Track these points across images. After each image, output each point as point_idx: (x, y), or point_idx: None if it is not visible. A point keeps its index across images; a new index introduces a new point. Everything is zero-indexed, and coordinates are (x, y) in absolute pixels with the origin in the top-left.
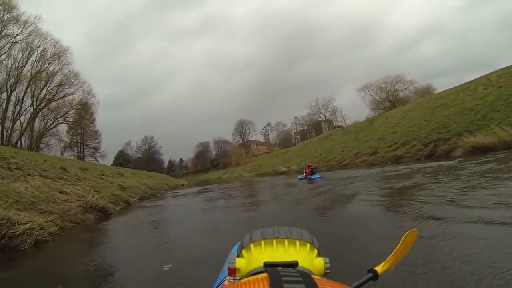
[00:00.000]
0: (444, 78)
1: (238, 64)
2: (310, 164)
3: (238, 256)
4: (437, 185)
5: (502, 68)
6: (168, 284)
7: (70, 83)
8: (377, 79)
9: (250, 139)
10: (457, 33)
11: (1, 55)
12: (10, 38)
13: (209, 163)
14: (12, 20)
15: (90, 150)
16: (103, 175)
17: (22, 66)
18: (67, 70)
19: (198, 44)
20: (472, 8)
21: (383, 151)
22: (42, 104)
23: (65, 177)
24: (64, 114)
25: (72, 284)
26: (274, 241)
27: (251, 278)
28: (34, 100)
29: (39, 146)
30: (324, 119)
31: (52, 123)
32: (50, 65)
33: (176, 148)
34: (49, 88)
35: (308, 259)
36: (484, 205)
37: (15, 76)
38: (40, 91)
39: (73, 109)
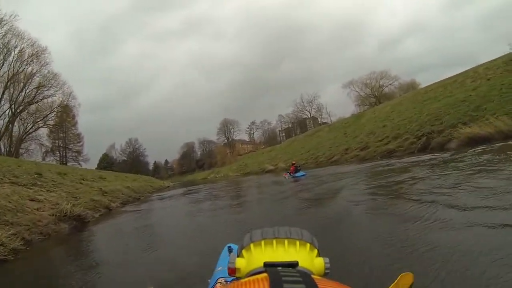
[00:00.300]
0: (426, 74)
1: (223, 64)
2: (294, 162)
3: (238, 256)
4: (431, 178)
5: (490, 61)
6: None
7: (49, 85)
8: (362, 75)
9: (235, 138)
10: (440, 32)
11: None
12: None
13: (194, 163)
14: None
15: (73, 154)
16: (83, 179)
17: None
18: (46, 71)
19: (183, 45)
20: (454, 7)
21: (374, 145)
22: (21, 108)
23: (39, 183)
24: (44, 118)
25: None
26: (274, 241)
27: (251, 278)
28: (12, 103)
29: (18, 151)
30: (309, 116)
31: (32, 127)
32: (28, 66)
33: (161, 150)
34: (27, 91)
35: (308, 259)
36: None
37: None
38: (19, 94)
39: (54, 112)
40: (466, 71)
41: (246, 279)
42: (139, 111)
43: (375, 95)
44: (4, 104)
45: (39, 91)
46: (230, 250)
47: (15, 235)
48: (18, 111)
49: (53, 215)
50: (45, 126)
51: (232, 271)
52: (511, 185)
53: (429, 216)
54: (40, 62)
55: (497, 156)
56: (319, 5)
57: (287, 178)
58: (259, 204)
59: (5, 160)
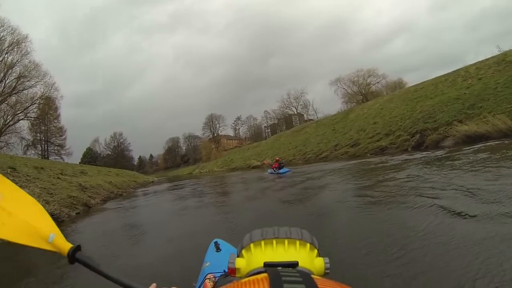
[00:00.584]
0: (412, 74)
1: (210, 59)
2: (278, 158)
3: (238, 256)
4: (428, 176)
5: (481, 61)
6: None
7: (30, 75)
8: (349, 73)
9: (221, 134)
10: (426, 33)
11: None
12: None
13: (179, 158)
14: None
15: (55, 148)
16: (62, 174)
17: None
18: (27, 60)
19: (171, 39)
20: (441, 9)
21: (365, 142)
22: (0, 99)
23: (11, 179)
24: (24, 110)
25: None
26: (274, 241)
27: (251, 278)
28: None
29: None
30: (295, 113)
31: (12, 119)
32: (8, 55)
33: (146, 145)
34: (7, 82)
35: (308, 259)
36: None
37: None
38: None
39: (35, 104)
40: (457, 70)
41: (246, 279)
42: (124, 105)
43: (362, 92)
44: None
45: (19, 82)
46: (216, 245)
47: None
48: None
49: None
50: (26, 118)
51: (232, 271)
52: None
53: (420, 216)
54: (21, 51)
55: (495, 155)
56: (307, 2)
57: (269, 172)
58: (243, 200)
59: None
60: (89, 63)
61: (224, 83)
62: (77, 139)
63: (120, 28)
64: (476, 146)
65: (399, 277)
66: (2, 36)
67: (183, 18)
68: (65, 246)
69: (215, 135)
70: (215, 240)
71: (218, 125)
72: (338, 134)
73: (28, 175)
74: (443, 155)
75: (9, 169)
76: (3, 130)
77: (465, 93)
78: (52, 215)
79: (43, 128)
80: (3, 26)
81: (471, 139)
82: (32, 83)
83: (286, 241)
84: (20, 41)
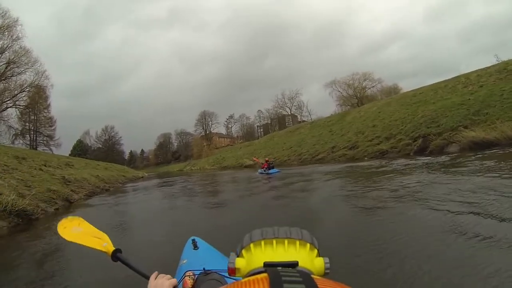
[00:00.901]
0: (406, 80)
1: (205, 56)
2: (267, 159)
3: (238, 256)
4: (435, 183)
5: (482, 68)
6: None
7: (20, 62)
8: (345, 76)
9: (213, 131)
10: (421, 41)
11: None
12: None
13: (170, 155)
14: None
15: (44, 139)
16: (45, 165)
17: None
18: (17, 46)
19: (167, 35)
20: (437, 19)
21: (364, 145)
22: None
23: None
24: (13, 97)
25: None
26: (274, 241)
27: (251, 278)
28: None
29: None
30: (289, 113)
31: None
32: None
33: (138, 139)
34: None
35: (308, 259)
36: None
37: None
38: None
39: (24, 91)
40: (457, 77)
41: (246, 279)
42: (117, 99)
43: (357, 96)
44: None
45: (8, 68)
46: (194, 243)
47: None
48: None
49: None
50: (15, 106)
51: (232, 271)
52: None
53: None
54: (12, 36)
55: (506, 163)
56: (304, 4)
57: (259, 173)
58: (230, 200)
59: None
60: (83, 54)
61: (217, 81)
62: (68, 131)
63: (116, 21)
64: (486, 153)
65: None
66: None
67: (179, 14)
68: (110, 249)
69: (207, 132)
70: (192, 237)
71: (210, 122)
72: (336, 135)
73: (6, 165)
74: (450, 161)
75: None
76: None
77: (469, 99)
78: (23, 211)
79: (33, 117)
80: None
81: (478, 145)
82: (22, 69)
83: (286, 241)
84: (11, 24)
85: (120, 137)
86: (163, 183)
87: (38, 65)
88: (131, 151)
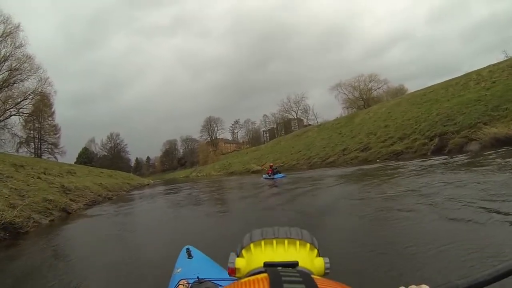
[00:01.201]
0: (410, 82)
1: (209, 63)
2: (271, 164)
3: (238, 256)
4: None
5: (493, 64)
6: None
7: (22, 69)
8: (350, 78)
9: (218, 137)
10: (424, 42)
11: None
12: None
13: (176, 161)
14: None
15: (48, 147)
16: (44, 173)
17: None
18: (21, 54)
19: (170, 42)
20: (439, 19)
21: (377, 146)
22: None
23: None
24: (16, 104)
25: None
26: (274, 241)
27: (251, 278)
28: None
29: None
30: (295, 117)
31: (2, 114)
32: (1, 46)
33: (144, 147)
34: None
35: (308, 259)
36: None
37: None
38: None
39: (27, 98)
40: (469, 73)
41: (246, 279)
42: (122, 107)
43: (363, 98)
44: None
45: (11, 75)
46: (188, 252)
47: None
48: None
49: None
50: (18, 114)
51: (232, 271)
52: None
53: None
54: (15, 43)
55: None
56: (306, 9)
57: (263, 178)
58: (234, 209)
59: None
60: (88, 62)
61: (221, 87)
62: (74, 139)
63: (120, 29)
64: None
65: None
66: None
67: (183, 21)
68: None
69: (213, 138)
70: (186, 246)
71: (216, 128)
72: (346, 137)
73: (1, 173)
74: (473, 160)
75: None
76: None
77: (486, 95)
78: (11, 224)
79: (37, 125)
80: None
81: (500, 142)
82: (24, 76)
83: (286, 241)
84: (13, 30)
85: (126, 145)
86: (168, 190)
87: (41, 71)
88: (137, 158)
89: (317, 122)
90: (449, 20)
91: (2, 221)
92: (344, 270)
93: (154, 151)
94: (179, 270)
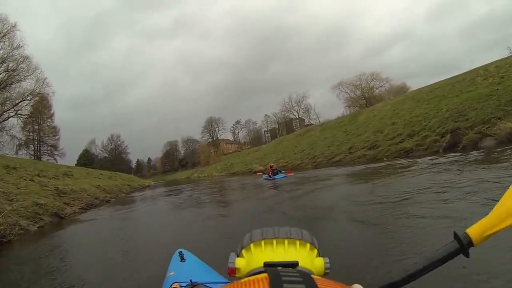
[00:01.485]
0: (410, 80)
1: (210, 64)
2: (272, 165)
3: (238, 256)
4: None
5: (500, 59)
6: None
7: (20, 69)
8: (351, 77)
9: (220, 138)
10: (423, 40)
11: None
12: None
13: (177, 162)
14: None
15: (48, 149)
16: (38, 175)
17: None
18: (19, 55)
19: (171, 44)
20: (438, 18)
21: (385, 144)
22: None
23: None
24: (14, 106)
25: None
26: (274, 241)
27: (251, 278)
28: None
29: None
30: (297, 117)
31: (0, 116)
32: None
33: (145, 148)
34: None
35: (308, 259)
36: None
37: None
38: None
39: (25, 100)
40: (475, 69)
41: (246, 279)
42: (123, 108)
43: (365, 96)
44: None
45: (7, 75)
46: (181, 255)
47: None
48: None
49: None
50: (17, 116)
51: (232, 271)
52: None
53: None
54: (13, 44)
55: None
56: (306, 9)
57: (264, 178)
58: (240, 211)
59: None
60: (89, 64)
61: (222, 88)
62: (75, 141)
63: (121, 31)
64: None
65: None
66: None
67: (183, 23)
68: None
69: (214, 139)
70: (179, 250)
71: (217, 128)
72: (351, 136)
73: None
74: (492, 157)
75: None
76: None
77: (497, 89)
78: None
79: (36, 127)
80: None
81: None
82: (21, 77)
83: (286, 241)
84: (9, 30)
85: (126, 146)
86: (169, 192)
87: (38, 72)
88: (138, 159)
89: (319, 121)
90: (448, 18)
91: None
92: (344, 271)
93: (155, 152)
94: (172, 273)
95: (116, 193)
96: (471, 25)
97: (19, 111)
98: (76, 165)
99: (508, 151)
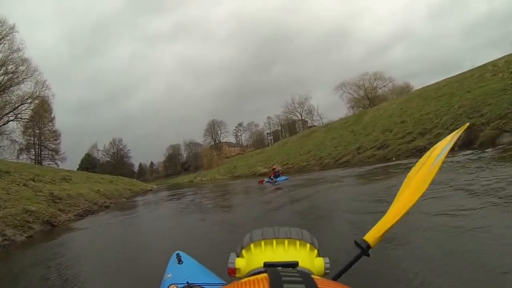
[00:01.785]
0: (412, 80)
1: (212, 67)
2: (274, 167)
3: (238, 256)
4: None
5: (509, 54)
6: None
7: (19, 71)
8: (354, 77)
9: (222, 141)
10: (425, 40)
11: None
12: None
13: (180, 166)
14: None
15: (49, 153)
16: (33, 180)
17: None
18: (18, 59)
19: (173, 48)
20: (439, 16)
21: (395, 143)
22: None
23: None
24: (14, 109)
25: None
26: (274, 241)
27: (251, 278)
28: None
29: None
30: (300, 118)
31: (0, 119)
32: None
33: (147, 152)
34: None
35: (308, 259)
36: None
37: None
38: None
39: (25, 103)
40: (484, 65)
41: (246, 279)
42: (124, 112)
43: (369, 97)
44: None
45: (7, 78)
46: (178, 257)
47: None
48: None
49: None
50: (17, 119)
51: (232, 271)
52: None
53: None
54: (12, 47)
55: None
56: (307, 10)
57: (266, 181)
58: (243, 215)
59: None
60: (91, 70)
61: (225, 91)
62: (77, 145)
63: (123, 37)
64: None
65: None
66: None
67: (184, 27)
68: None
69: (217, 142)
70: (177, 252)
71: (219, 131)
72: (359, 135)
73: None
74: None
75: None
76: None
77: (511, 84)
78: None
79: (37, 131)
80: None
81: None
82: (21, 79)
83: (286, 241)
84: (8, 32)
85: (129, 150)
86: (171, 196)
87: (38, 74)
88: (140, 163)
89: (322, 122)
90: (448, 16)
91: None
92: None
93: (158, 156)
94: (169, 275)
95: (116, 198)
96: (471, 24)
97: (19, 115)
98: (78, 169)
99: None
